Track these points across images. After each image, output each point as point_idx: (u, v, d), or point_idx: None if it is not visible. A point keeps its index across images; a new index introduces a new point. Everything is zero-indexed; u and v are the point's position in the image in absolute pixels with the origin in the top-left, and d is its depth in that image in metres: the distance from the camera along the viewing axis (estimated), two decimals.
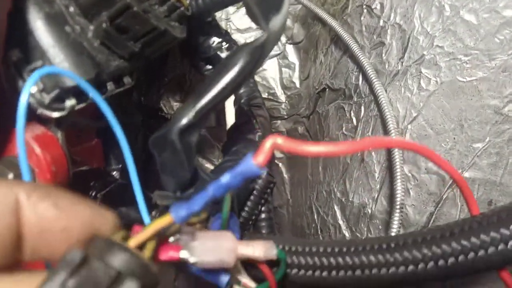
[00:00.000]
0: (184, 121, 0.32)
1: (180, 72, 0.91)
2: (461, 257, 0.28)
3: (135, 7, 0.35)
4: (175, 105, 0.94)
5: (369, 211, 0.49)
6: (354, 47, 0.50)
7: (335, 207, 0.55)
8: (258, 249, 0.29)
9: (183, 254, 0.25)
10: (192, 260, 0.25)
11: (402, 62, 0.45)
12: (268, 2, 0.34)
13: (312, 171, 0.66)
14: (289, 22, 0.85)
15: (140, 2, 0.37)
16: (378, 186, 0.48)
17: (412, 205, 0.45)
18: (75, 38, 0.35)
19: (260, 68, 0.85)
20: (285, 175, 0.87)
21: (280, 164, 0.88)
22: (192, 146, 0.34)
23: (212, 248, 0.26)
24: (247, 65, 0.32)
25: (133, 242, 0.22)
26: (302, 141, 0.21)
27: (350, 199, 0.52)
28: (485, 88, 0.40)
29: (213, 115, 0.81)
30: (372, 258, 0.31)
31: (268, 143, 0.21)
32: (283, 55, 0.88)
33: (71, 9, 0.36)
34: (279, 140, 0.21)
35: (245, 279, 0.30)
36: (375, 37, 0.49)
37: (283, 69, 0.89)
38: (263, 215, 0.45)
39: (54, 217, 0.19)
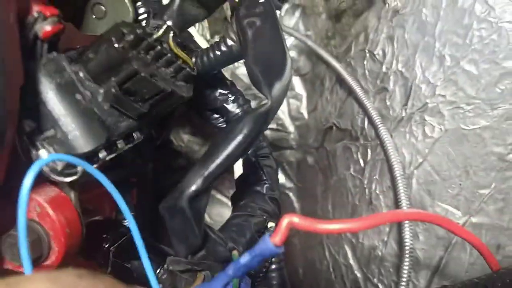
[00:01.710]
0: (193, 188, 0.33)
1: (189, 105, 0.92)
2: None
3: (142, 73, 0.37)
4: (185, 137, 0.95)
5: (380, 253, 0.49)
6: (359, 91, 0.51)
7: (346, 247, 0.55)
8: None
9: None
10: None
11: (405, 109, 0.46)
12: (270, 68, 0.35)
13: (322, 206, 0.67)
14: (295, 54, 0.87)
15: (147, 67, 0.38)
16: (387, 229, 0.48)
17: (422, 249, 0.46)
18: (85, 105, 0.37)
19: None
20: (296, 205, 0.88)
21: (291, 194, 0.89)
22: (201, 211, 0.34)
23: None
24: (251, 132, 0.33)
25: None
26: (317, 220, 0.22)
27: (360, 241, 0.52)
28: (489, 136, 0.41)
29: None
30: None
31: (284, 222, 0.22)
32: (290, 87, 0.89)
33: (81, 75, 0.38)
34: (295, 219, 0.22)
35: None
36: (378, 82, 0.50)
37: (291, 100, 0.89)
38: (273, 266, 0.46)
39: None
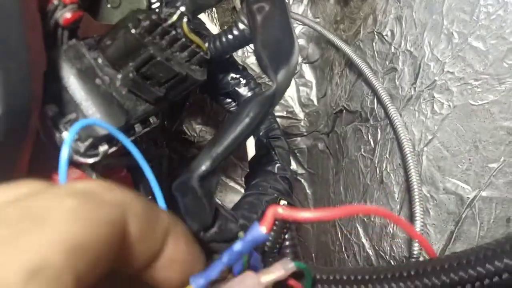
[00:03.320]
0: (203, 168, 0.35)
1: (201, 96, 0.93)
2: (477, 284, 0.29)
3: (158, 57, 0.38)
4: (197, 127, 0.97)
5: (391, 230, 0.50)
6: (368, 73, 0.52)
7: (358, 226, 0.56)
8: (278, 270, 0.30)
9: None
10: None
11: (414, 87, 0.47)
12: (278, 53, 0.36)
13: (334, 190, 0.68)
14: (304, 42, 0.88)
15: (162, 51, 0.39)
16: (398, 206, 0.49)
17: (432, 225, 0.47)
18: (105, 89, 0.38)
19: None
20: (308, 191, 0.89)
21: (302, 180, 0.90)
22: (212, 191, 0.36)
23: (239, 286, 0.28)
24: (257, 115, 0.34)
25: None
26: (298, 209, 0.25)
27: (372, 219, 0.53)
28: (497, 111, 0.41)
29: None
30: (393, 285, 0.32)
31: (269, 213, 0.24)
32: (299, 74, 0.90)
33: (100, 61, 0.39)
34: (280, 210, 0.25)
35: None
36: (387, 62, 0.51)
37: (300, 87, 0.91)
38: (287, 243, 0.47)
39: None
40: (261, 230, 0.24)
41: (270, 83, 0.38)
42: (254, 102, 0.35)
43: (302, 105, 0.91)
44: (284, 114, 0.92)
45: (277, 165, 0.48)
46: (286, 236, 0.47)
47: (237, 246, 0.24)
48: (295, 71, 0.38)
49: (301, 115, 0.91)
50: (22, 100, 0.31)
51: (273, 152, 0.48)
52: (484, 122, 0.42)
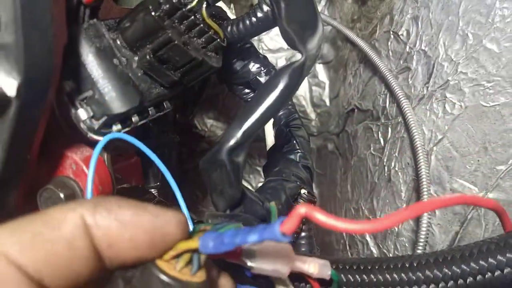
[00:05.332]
0: (232, 141, 0.35)
1: (214, 92, 0.94)
2: (479, 277, 0.29)
3: (176, 41, 0.39)
4: (209, 122, 0.98)
5: (396, 229, 0.50)
6: (383, 68, 0.52)
7: None
8: (313, 266, 0.30)
9: (243, 257, 0.27)
10: (250, 264, 0.27)
11: (427, 87, 0.47)
12: (303, 26, 0.36)
13: (341, 189, 0.68)
14: None
15: (180, 35, 0.40)
16: (404, 205, 0.50)
17: (438, 225, 0.47)
18: (121, 69, 0.39)
19: None
20: (315, 191, 0.89)
21: None
22: (240, 166, 0.36)
23: (271, 257, 0.28)
24: (288, 86, 0.35)
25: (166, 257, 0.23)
26: (333, 217, 0.20)
27: (378, 217, 0.53)
28: (508, 113, 0.42)
29: None
30: (395, 276, 0.33)
31: (299, 211, 0.21)
32: (313, 74, 0.91)
33: (118, 42, 0.40)
34: (315, 213, 0.20)
35: None
36: (401, 62, 0.51)
37: (313, 87, 0.91)
38: (303, 234, 0.47)
39: (117, 231, 0.21)
40: (281, 230, 0.21)
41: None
42: (284, 74, 0.35)
43: (314, 105, 0.91)
44: None
45: (298, 153, 0.48)
46: (303, 227, 0.47)
47: (252, 237, 0.22)
48: (323, 38, 0.38)
49: (312, 115, 0.92)
50: (42, 71, 0.32)
51: (295, 141, 0.49)
52: (495, 124, 0.43)
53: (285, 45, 0.94)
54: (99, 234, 0.21)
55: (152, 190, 0.56)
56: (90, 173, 0.28)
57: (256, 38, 0.93)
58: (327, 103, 0.89)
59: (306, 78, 0.91)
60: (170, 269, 0.23)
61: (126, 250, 0.22)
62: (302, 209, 0.20)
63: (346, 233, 0.61)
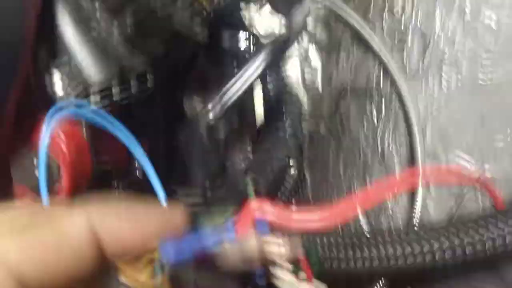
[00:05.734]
0: (211, 114, 0.34)
1: (202, 75, 0.92)
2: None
3: (158, 11, 0.37)
4: (198, 105, 0.96)
5: (389, 206, 0.49)
6: (377, 45, 0.51)
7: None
8: (282, 245, 0.29)
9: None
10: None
11: (423, 63, 0.46)
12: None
13: (333, 172, 0.67)
14: (311, 24, 0.86)
15: (164, 7, 0.38)
16: None
17: (432, 204, 0.45)
18: (100, 34, 0.37)
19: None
20: (306, 176, 0.88)
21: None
22: (219, 139, 0.35)
23: (237, 249, 0.27)
24: (266, 57, 0.34)
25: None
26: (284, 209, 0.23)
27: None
28: (505, 87, 0.40)
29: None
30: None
31: (250, 208, 0.24)
32: (305, 57, 0.89)
33: (97, 7, 0.38)
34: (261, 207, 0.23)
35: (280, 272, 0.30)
36: (396, 39, 0.50)
37: (306, 69, 0.89)
38: None
39: (129, 233, 0.21)
40: (232, 237, 0.23)
41: None
42: (264, 47, 0.34)
43: (306, 89, 0.89)
44: None
45: (288, 126, 0.47)
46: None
47: (209, 241, 0.23)
48: (306, 18, 0.38)
49: (304, 99, 0.90)
50: (13, 33, 0.30)
51: (284, 115, 0.48)
52: (492, 99, 0.41)
53: (277, 31, 0.92)
54: (109, 238, 0.21)
55: (136, 172, 0.55)
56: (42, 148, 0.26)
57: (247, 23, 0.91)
58: (319, 86, 0.87)
59: (297, 61, 0.89)
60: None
61: (133, 247, 0.22)
62: (253, 205, 0.24)
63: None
